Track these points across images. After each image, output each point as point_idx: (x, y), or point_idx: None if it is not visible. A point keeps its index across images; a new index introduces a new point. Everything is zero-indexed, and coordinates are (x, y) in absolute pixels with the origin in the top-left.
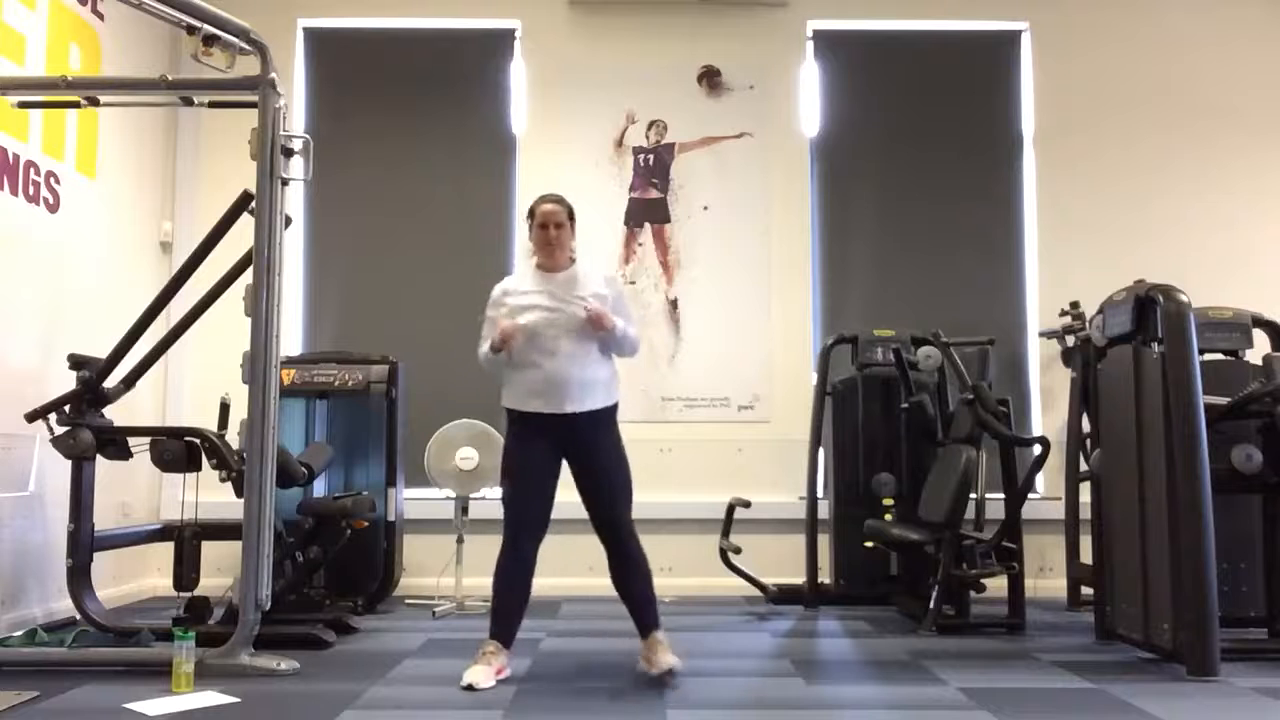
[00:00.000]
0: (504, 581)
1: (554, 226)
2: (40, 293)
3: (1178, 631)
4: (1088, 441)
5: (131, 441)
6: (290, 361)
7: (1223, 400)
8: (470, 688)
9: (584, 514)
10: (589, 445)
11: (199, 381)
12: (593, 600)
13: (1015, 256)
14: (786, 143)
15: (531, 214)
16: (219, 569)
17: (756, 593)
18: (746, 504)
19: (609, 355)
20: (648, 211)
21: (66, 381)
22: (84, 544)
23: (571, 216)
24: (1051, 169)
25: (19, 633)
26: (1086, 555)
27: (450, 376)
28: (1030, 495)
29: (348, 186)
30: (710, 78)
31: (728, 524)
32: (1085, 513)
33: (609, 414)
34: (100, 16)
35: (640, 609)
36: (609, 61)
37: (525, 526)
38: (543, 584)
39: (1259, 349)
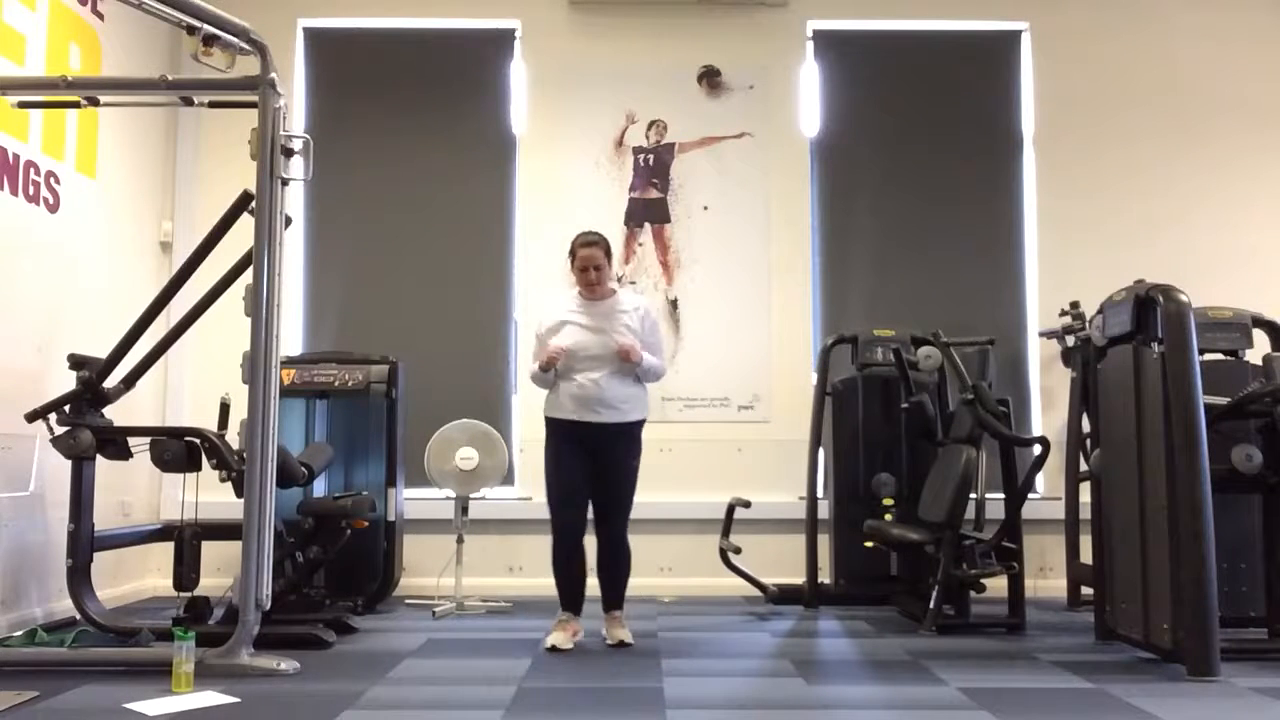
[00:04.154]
0: (560, 570)
1: (594, 269)
2: (40, 293)
3: (1178, 631)
4: (1088, 441)
5: (131, 441)
6: (290, 361)
7: (1223, 400)
8: (554, 648)
9: None
10: (610, 455)
11: (199, 381)
12: (593, 600)
13: (1015, 256)
14: (786, 143)
15: (573, 254)
16: (219, 569)
17: (756, 593)
18: (746, 504)
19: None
20: (648, 211)
21: (66, 381)
22: (84, 544)
23: (608, 254)
24: (1051, 169)
25: (19, 633)
26: (1086, 555)
27: (450, 376)
28: (1030, 495)
29: (348, 186)
30: (710, 78)
31: (728, 524)
32: (1085, 513)
33: (633, 428)
34: (100, 16)
35: (608, 589)
36: (609, 61)
37: (566, 521)
38: (543, 583)
39: (1259, 349)
